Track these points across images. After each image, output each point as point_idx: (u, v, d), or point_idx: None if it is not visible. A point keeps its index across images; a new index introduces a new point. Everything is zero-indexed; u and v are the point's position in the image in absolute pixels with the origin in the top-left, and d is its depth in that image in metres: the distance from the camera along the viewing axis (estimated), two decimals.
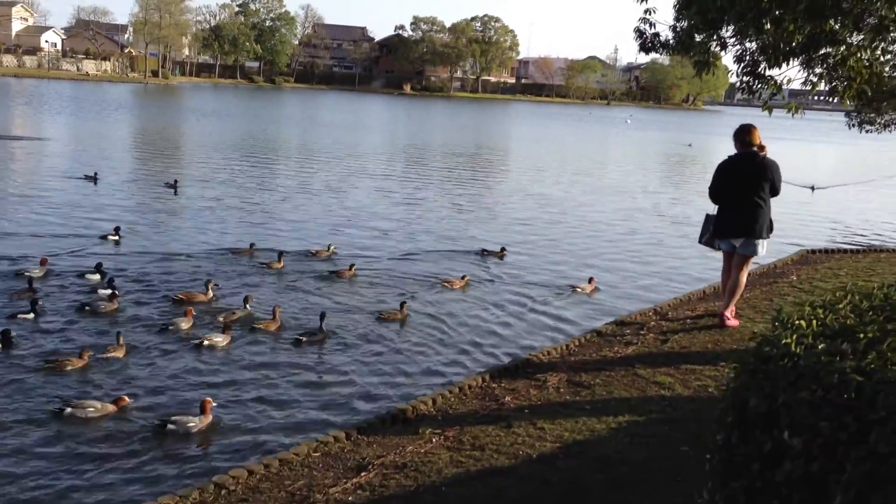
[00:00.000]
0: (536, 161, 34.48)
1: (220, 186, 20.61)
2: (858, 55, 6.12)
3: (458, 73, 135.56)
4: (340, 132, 43.59)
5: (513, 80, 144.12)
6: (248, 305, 10.01)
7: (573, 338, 8.62)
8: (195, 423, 6.66)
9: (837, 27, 6.20)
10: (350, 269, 12.05)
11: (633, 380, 7.03)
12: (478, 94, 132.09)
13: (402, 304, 10.30)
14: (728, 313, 8.87)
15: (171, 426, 6.61)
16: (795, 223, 19.61)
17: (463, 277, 12.09)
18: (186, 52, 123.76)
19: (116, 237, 13.49)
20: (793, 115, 7.01)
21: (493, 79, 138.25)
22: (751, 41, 7.36)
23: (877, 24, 5.94)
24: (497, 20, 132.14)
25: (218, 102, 68.62)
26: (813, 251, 13.82)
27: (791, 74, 7.27)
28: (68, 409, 6.80)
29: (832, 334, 3.12)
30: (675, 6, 8.00)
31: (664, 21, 8.79)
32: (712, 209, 8.88)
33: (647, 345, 8.22)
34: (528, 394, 6.76)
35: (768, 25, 6.58)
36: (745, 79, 7.41)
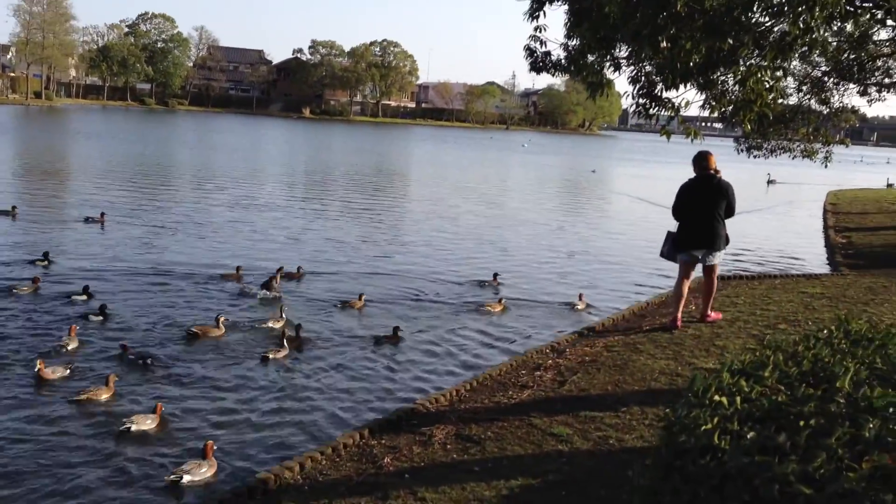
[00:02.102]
0: (450, 186, 33.86)
1: (142, 213, 19.70)
2: (759, 75, 5.66)
3: (358, 98, 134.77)
4: (245, 156, 42.52)
5: (413, 105, 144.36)
6: (283, 314, 10.48)
7: (464, 381, 7.90)
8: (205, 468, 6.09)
9: (736, 46, 5.74)
10: (360, 300, 11.79)
11: (528, 431, 6.34)
12: (378, 119, 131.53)
13: (396, 328, 10.22)
14: (710, 311, 9.92)
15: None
16: None
17: (500, 301, 12.05)
18: (73, 73, 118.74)
19: (45, 262, 13.06)
20: (692, 140, 6.54)
21: (392, 103, 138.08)
22: (646, 62, 6.89)
23: (779, 41, 5.50)
24: (396, 45, 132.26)
25: (107, 125, 65.73)
26: None
27: (689, 97, 6.81)
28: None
29: (762, 415, 2.47)
30: (565, 23, 7.48)
31: (556, 40, 8.29)
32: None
33: (543, 387, 7.58)
34: (411, 453, 5.97)
35: (664, 44, 6.08)
36: (641, 101, 6.91)
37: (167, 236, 16.77)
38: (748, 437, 2.33)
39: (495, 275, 13.69)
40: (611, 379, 7.74)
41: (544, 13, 8.36)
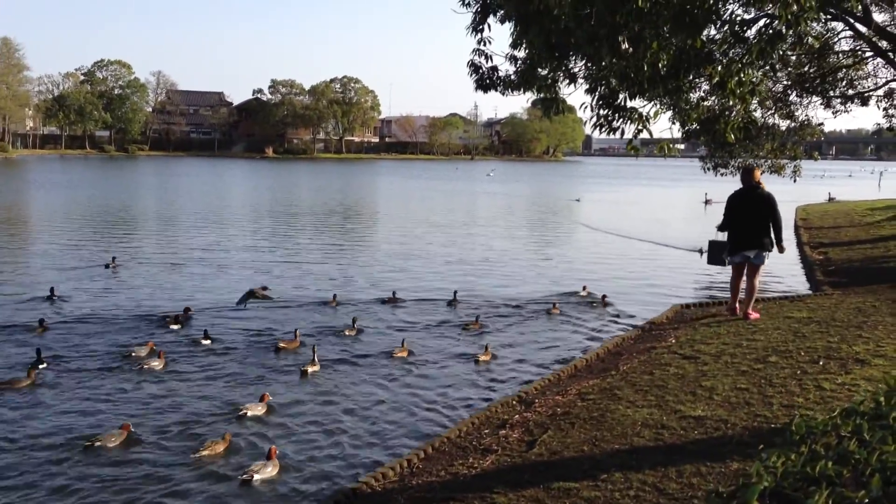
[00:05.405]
0: (439, 223, 32.86)
1: (150, 257, 19.95)
2: (741, 76, 4.75)
3: (321, 135, 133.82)
4: (217, 198, 41.57)
5: (376, 140, 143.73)
6: (354, 325, 12.06)
7: (416, 449, 6.81)
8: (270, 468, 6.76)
9: (712, 42, 4.81)
10: (476, 322, 12.56)
11: None
12: (342, 155, 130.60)
13: (486, 346, 10.95)
14: (750, 311, 11.15)
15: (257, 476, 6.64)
16: (670, 277, 18.79)
17: (555, 305, 13.69)
18: (30, 123, 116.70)
19: (52, 297, 13.85)
20: (665, 155, 5.59)
21: (356, 139, 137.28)
22: (606, 70, 5.94)
23: (764, 32, 4.58)
24: (357, 81, 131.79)
25: (65, 174, 63.96)
26: (687, 306, 12.68)
27: (657, 108, 5.85)
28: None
29: None
30: (511, 32, 6.53)
31: (504, 53, 7.35)
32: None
33: (509, 451, 6.52)
34: None
35: (625, 45, 5.15)
36: (602, 112, 5.92)
37: (194, 273, 17.49)
38: None
39: (604, 296, 14.53)
40: (587, 436, 6.69)
41: (489, 25, 7.44)
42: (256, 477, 6.62)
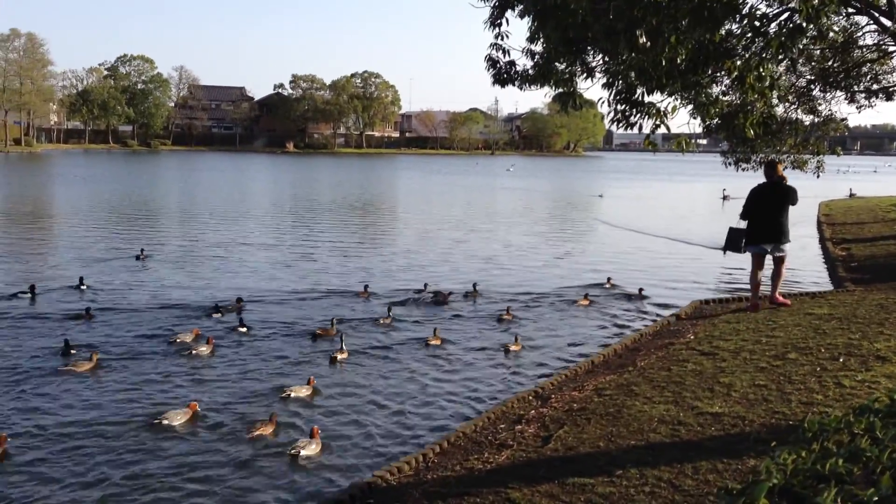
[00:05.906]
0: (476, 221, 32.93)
1: (177, 249, 20.24)
2: (760, 70, 4.70)
3: (342, 130, 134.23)
4: (239, 192, 41.74)
5: (397, 134, 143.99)
6: (389, 313, 12.49)
7: (432, 444, 6.83)
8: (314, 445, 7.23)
9: (731, 36, 4.77)
10: (508, 312, 12.81)
11: None
12: (362, 150, 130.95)
13: (516, 337, 11.16)
14: (778, 296, 11.40)
15: (303, 452, 7.11)
16: (690, 272, 18.67)
17: (586, 296, 13.95)
18: (55, 118, 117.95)
19: (82, 287, 14.24)
20: (683, 151, 5.56)
21: (376, 133, 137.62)
22: (623, 64, 5.90)
23: (784, 26, 4.53)
24: (377, 76, 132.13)
25: (89, 168, 64.73)
26: (706, 301, 12.60)
27: (675, 103, 5.81)
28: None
29: None
30: (529, 27, 6.50)
31: (521, 47, 7.33)
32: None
33: (524, 446, 6.51)
34: None
35: (643, 40, 5.11)
36: (619, 107, 5.89)
37: (225, 266, 17.88)
38: None
39: (640, 289, 14.68)
40: (603, 432, 6.67)
41: (507, 20, 7.43)
42: (303, 453, 7.10)
